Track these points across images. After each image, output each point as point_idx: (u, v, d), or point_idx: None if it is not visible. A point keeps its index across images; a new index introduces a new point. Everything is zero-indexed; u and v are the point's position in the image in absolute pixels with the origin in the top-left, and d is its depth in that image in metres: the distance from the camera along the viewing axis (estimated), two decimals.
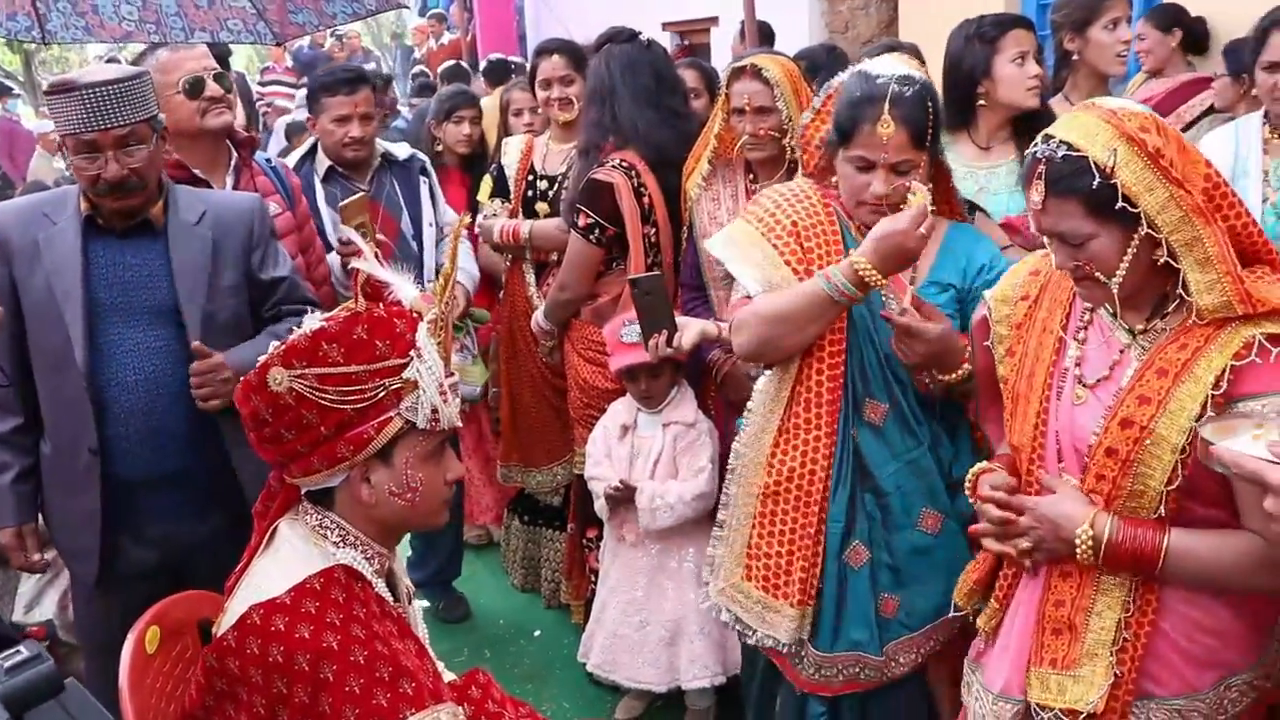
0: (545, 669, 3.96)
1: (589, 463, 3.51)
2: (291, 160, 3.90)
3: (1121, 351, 1.90)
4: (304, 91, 11.34)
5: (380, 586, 1.80)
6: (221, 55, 3.76)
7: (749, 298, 2.51)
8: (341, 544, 1.78)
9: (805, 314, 2.39)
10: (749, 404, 2.60)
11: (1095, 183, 1.73)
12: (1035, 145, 1.84)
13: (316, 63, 13.53)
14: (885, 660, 2.49)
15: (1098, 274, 1.81)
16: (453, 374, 1.80)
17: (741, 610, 2.57)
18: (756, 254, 2.51)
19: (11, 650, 1.47)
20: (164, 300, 2.62)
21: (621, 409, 3.50)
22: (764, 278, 2.49)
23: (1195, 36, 4.79)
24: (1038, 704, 1.92)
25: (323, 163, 3.87)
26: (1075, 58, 3.53)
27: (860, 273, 2.29)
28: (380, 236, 3.51)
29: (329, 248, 3.69)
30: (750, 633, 2.55)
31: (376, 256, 1.85)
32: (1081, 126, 1.78)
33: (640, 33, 3.65)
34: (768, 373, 2.56)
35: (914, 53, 3.64)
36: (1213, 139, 3.22)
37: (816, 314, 2.39)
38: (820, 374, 2.47)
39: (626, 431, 3.45)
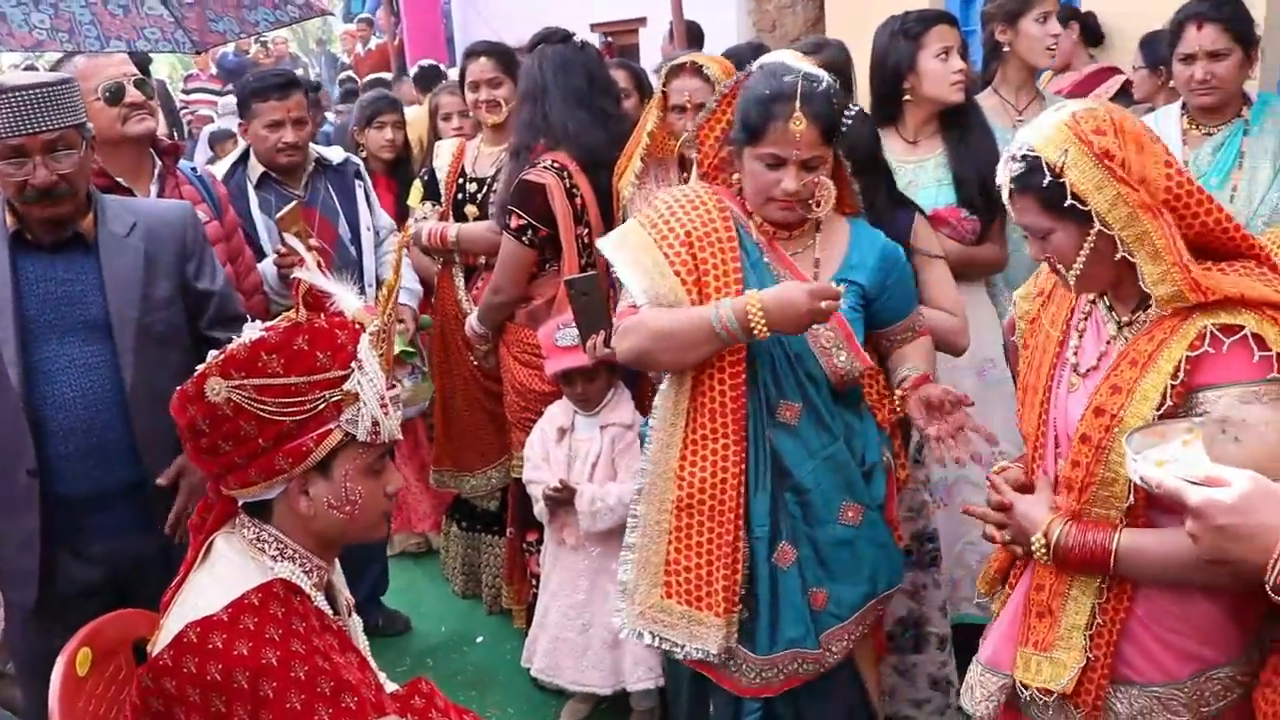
0: (488, 675, 3.93)
1: (527, 466, 3.49)
2: (222, 167, 3.84)
3: (1109, 342, 1.97)
4: (228, 99, 11.22)
5: (319, 600, 1.77)
6: (142, 62, 3.68)
7: (634, 307, 2.47)
8: (280, 557, 1.75)
9: (688, 340, 2.37)
10: (650, 419, 2.57)
11: (1046, 181, 1.82)
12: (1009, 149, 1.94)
13: (242, 70, 13.35)
14: (821, 652, 2.49)
15: (1059, 266, 1.91)
16: (394, 385, 1.78)
17: (665, 629, 2.52)
18: (647, 260, 2.47)
19: None
20: (97, 315, 2.57)
21: (558, 412, 3.49)
22: (651, 287, 2.45)
23: (1090, 30, 4.92)
24: (1020, 682, 2.00)
25: (255, 169, 3.80)
26: (1006, 50, 3.59)
27: (751, 320, 2.28)
28: (317, 243, 3.45)
29: (262, 255, 3.62)
30: (679, 649, 2.51)
31: (319, 266, 1.82)
32: (1042, 128, 1.87)
33: (574, 34, 3.65)
34: (664, 386, 2.54)
35: (841, 50, 3.68)
36: None
37: (699, 342, 2.36)
38: (722, 383, 2.43)
39: (564, 434, 3.44)
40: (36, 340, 2.52)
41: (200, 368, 1.70)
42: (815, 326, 2.37)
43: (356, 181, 4.01)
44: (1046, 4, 3.53)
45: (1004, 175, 1.91)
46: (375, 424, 1.73)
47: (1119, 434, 1.81)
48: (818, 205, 2.43)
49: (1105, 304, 1.99)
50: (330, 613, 1.80)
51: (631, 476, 3.26)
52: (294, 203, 3.48)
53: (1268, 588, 1.35)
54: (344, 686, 1.64)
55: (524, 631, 3.74)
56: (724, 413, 2.43)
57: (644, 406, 3.43)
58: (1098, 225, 1.82)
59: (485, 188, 3.95)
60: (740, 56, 3.56)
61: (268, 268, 3.49)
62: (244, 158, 3.86)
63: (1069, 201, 1.81)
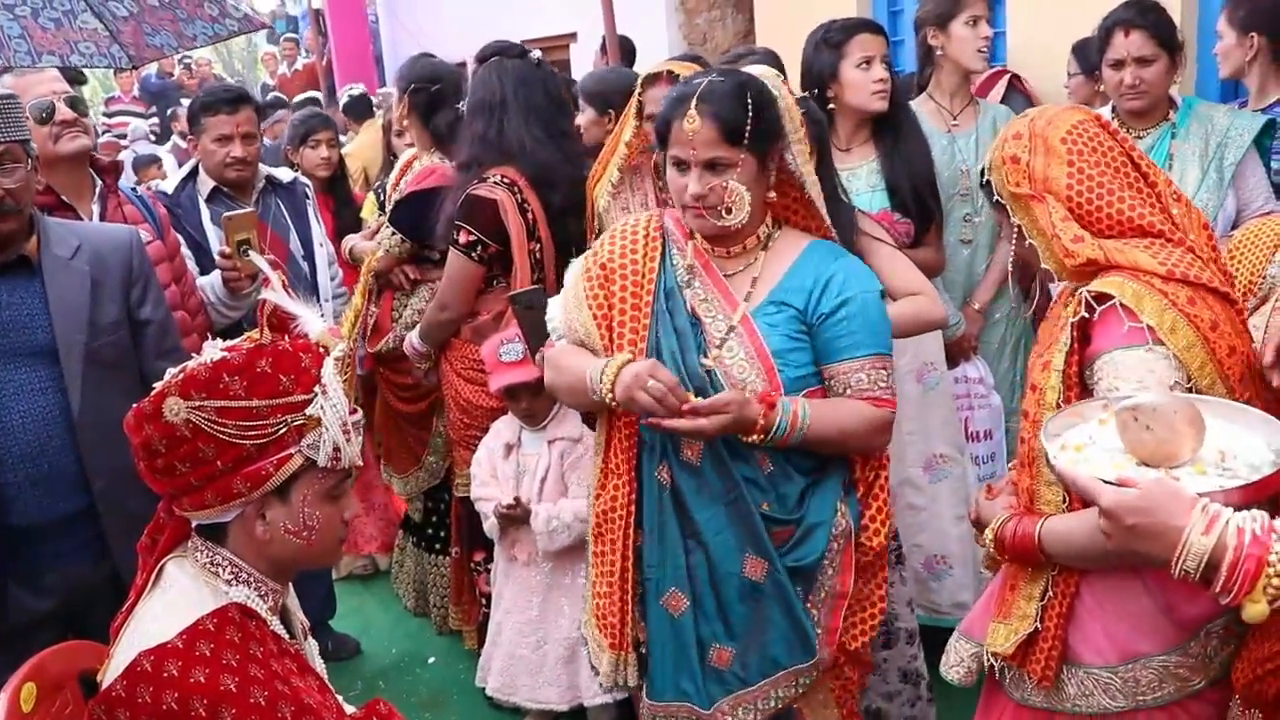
0: (442, 695, 3.88)
1: (475, 484, 3.46)
2: (172, 183, 3.80)
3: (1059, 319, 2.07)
4: (137, 124, 11.03)
5: (275, 624, 1.73)
6: (74, 79, 3.61)
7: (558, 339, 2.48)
8: (234, 581, 1.70)
9: (572, 388, 2.38)
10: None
11: (989, 184, 2.11)
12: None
13: (165, 92, 13.18)
14: (713, 713, 2.36)
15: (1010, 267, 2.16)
16: (356, 411, 1.74)
17: (592, 649, 2.54)
18: (570, 293, 2.47)
19: None
20: (43, 340, 2.51)
21: (504, 427, 3.47)
22: (566, 320, 2.45)
23: None
24: (988, 650, 2.10)
25: (206, 184, 3.76)
26: (939, 54, 3.64)
27: (602, 391, 2.26)
28: (269, 256, 3.39)
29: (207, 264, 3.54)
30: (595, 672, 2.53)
31: (284, 285, 1.78)
32: (992, 155, 2.11)
33: (530, 50, 3.63)
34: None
35: (770, 59, 3.71)
36: None
37: (580, 392, 2.35)
38: (621, 418, 2.39)
39: (511, 450, 3.42)
40: None
41: (159, 385, 1.65)
42: (728, 358, 2.30)
43: (306, 200, 4.00)
44: (976, 8, 3.59)
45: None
46: (336, 449, 1.69)
47: (1047, 409, 1.92)
48: (728, 211, 2.26)
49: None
50: (286, 636, 1.75)
51: (584, 490, 3.26)
52: (247, 210, 3.41)
53: (1174, 574, 1.44)
54: (305, 710, 1.60)
55: (475, 651, 3.71)
56: (623, 448, 2.41)
57: (590, 420, 3.42)
58: (1014, 219, 2.07)
59: None
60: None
61: (210, 281, 3.42)
62: (194, 173, 3.81)
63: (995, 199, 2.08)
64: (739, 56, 3.79)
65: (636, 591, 2.45)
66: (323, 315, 1.79)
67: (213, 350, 1.67)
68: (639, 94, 3.27)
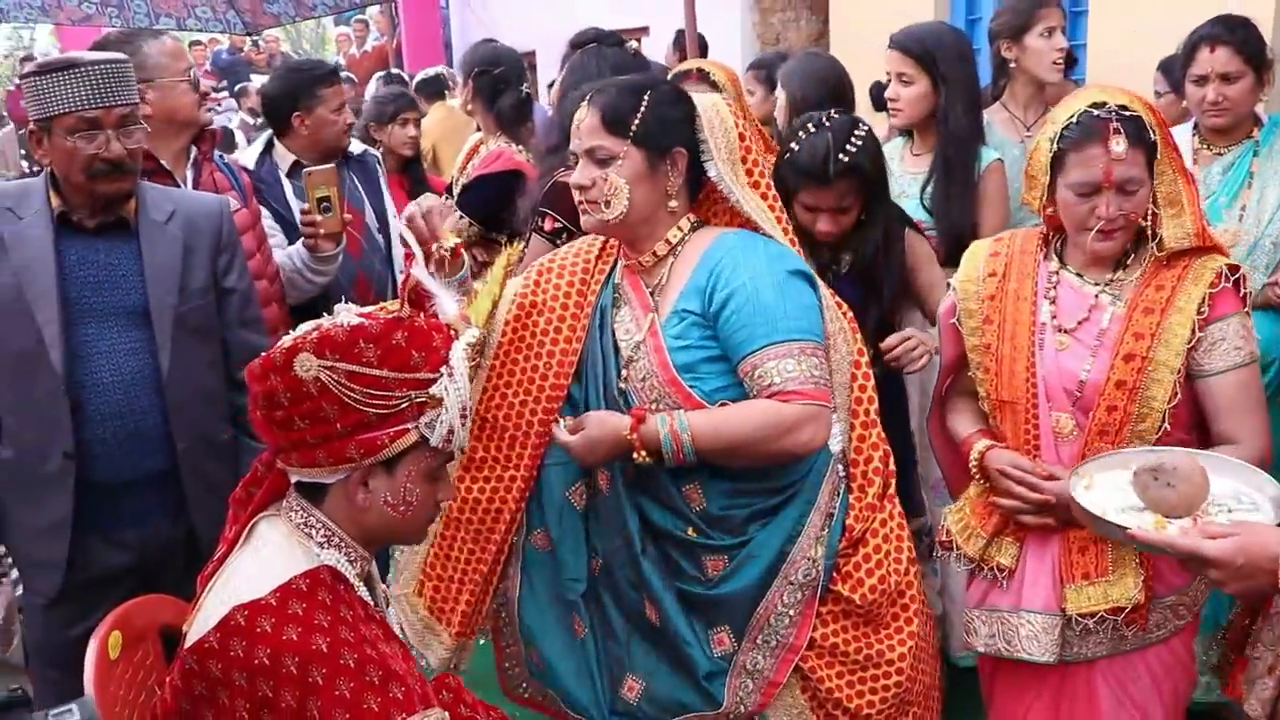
0: (489, 678, 3.86)
1: None
2: (250, 156, 3.85)
3: (1095, 298, 2.27)
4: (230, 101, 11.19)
5: (362, 590, 1.76)
6: None
7: None
8: (326, 544, 1.73)
9: None
10: None
11: (1152, 139, 2.17)
12: (1087, 111, 2.18)
13: (235, 67, 13.35)
14: None
15: (1140, 221, 2.21)
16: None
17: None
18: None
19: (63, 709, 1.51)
20: (137, 301, 2.58)
21: None
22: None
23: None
24: (1078, 614, 2.23)
25: (286, 158, 3.81)
26: (1013, 66, 3.62)
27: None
28: (348, 216, 3.44)
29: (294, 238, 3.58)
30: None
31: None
32: (1123, 95, 2.20)
33: (628, 40, 3.65)
34: None
35: (832, 62, 3.72)
36: None
37: None
38: (532, 412, 2.30)
39: None
40: (77, 323, 2.52)
41: (289, 338, 1.68)
42: (637, 378, 2.22)
43: (378, 173, 4.08)
44: (1051, 19, 3.57)
45: (1111, 134, 2.13)
46: (451, 432, 1.72)
47: (1152, 372, 2.16)
48: (607, 205, 2.17)
49: (1072, 271, 2.31)
50: (371, 603, 1.79)
51: None
52: (330, 165, 3.46)
53: None
54: (392, 676, 1.62)
55: None
56: (523, 443, 2.32)
57: None
58: (1152, 184, 2.19)
59: None
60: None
61: (293, 249, 3.46)
62: (269, 147, 3.86)
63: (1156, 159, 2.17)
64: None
65: (498, 586, 2.41)
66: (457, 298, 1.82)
67: (348, 314, 1.69)
68: None
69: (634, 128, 2.15)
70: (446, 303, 1.77)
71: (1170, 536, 1.73)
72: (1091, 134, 2.15)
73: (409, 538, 1.86)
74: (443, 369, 1.70)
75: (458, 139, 5.68)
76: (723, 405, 2.14)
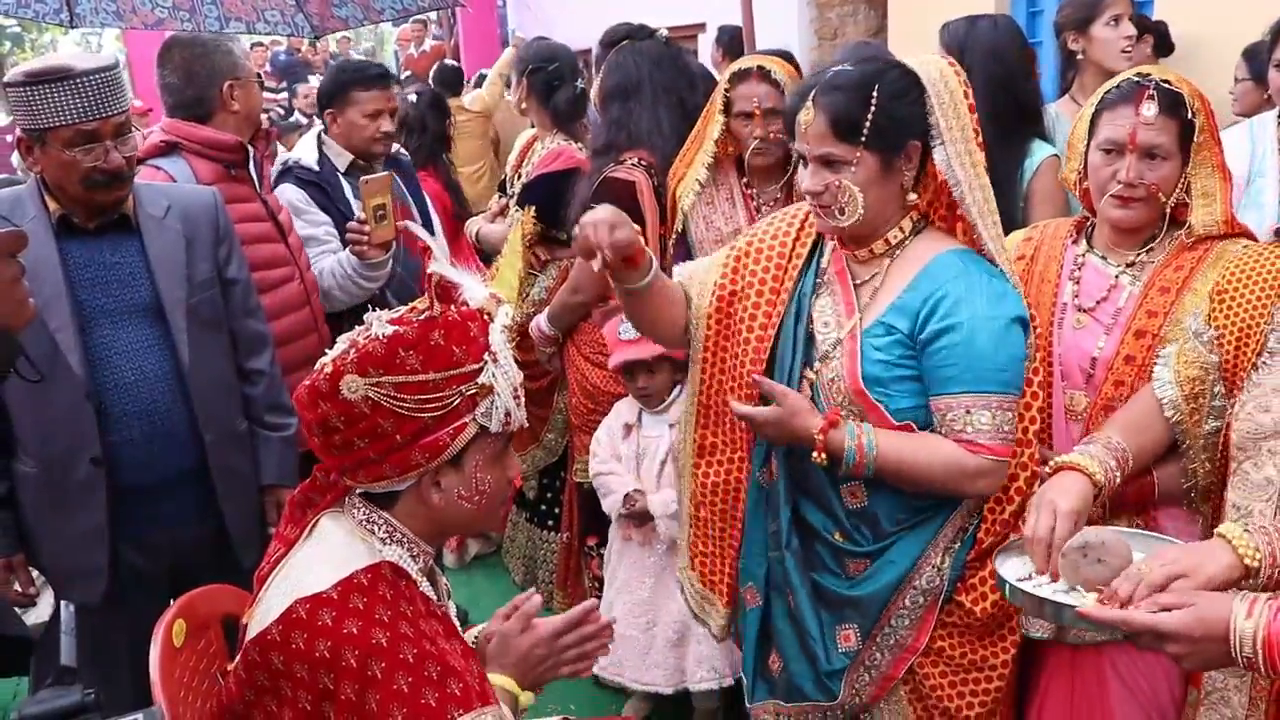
0: None
1: (594, 461, 3.46)
2: (308, 153, 3.86)
3: (1116, 277, 2.32)
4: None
5: (424, 586, 1.76)
6: None
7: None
8: (389, 540, 1.73)
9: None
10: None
11: (1190, 115, 2.20)
12: (1128, 79, 2.27)
13: (293, 67, 13.48)
14: (758, 708, 2.41)
15: (1160, 194, 2.23)
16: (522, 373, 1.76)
17: (688, 594, 2.58)
18: (709, 259, 2.48)
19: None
20: (147, 297, 2.57)
21: (624, 408, 3.48)
22: (691, 270, 2.47)
23: (1163, 39, 4.84)
24: None
25: (343, 157, 3.81)
26: (1080, 57, 3.55)
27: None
28: (402, 224, 3.45)
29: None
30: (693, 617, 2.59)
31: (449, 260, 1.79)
32: (1171, 74, 2.24)
33: (657, 29, 3.63)
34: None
35: (879, 52, 3.65)
36: (1228, 138, 3.25)
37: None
38: (739, 393, 2.31)
39: (630, 430, 3.42)
40: (92, 325, 2.50)
41: (326, 362, 1.67)
42: (826, 375, 2.19)
43: (413, 170, 4.14)
44: (1117, 7, 3.50)
45: (1144, 99, 2.19)
46: (508, 414, 1.71)
47: (1159, 350, 2.18)
48: (840, 212, 2.12)
49: (1097, 253, 2.36)
50: (434, 598, 1.78)
51: None
52: (386, 173, 3.48)
53: (1241, 666, 1.55)
54: (450, 672, 1.62)
55: None
56: (740, 423, 2.34)
57: None
58: (1190, 167, 2.21)
59: None
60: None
61: (343, 258, 3.48)
62: (319, 145, 3.85)
63: (1195, 140, 2.19)
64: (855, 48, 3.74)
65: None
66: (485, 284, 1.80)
67: (381, 325, 1.67)
68: (726, 89, 3.22)
69: (865, 131, 2.06)
70: (473, 288, 1.74)
71: (1125, 613, 1.61)
72: (1127, 96, 2.23)
73: (486, 524, 1.85)
74: (485, 356, 1.68)
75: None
76: (907, 427, 2.12)
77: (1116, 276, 2.32)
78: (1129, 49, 3.55)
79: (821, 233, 2.29)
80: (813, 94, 2.09)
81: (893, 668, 2.25)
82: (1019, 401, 2.12)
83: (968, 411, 2.06)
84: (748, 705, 2.48)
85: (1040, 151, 3.18)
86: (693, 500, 2.49)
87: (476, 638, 1.99)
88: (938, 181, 2.18)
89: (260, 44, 13.33)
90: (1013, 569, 1.93)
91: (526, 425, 1.82)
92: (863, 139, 2.06)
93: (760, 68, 3.19)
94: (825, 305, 2.24)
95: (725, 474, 2.43)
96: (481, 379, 1.67)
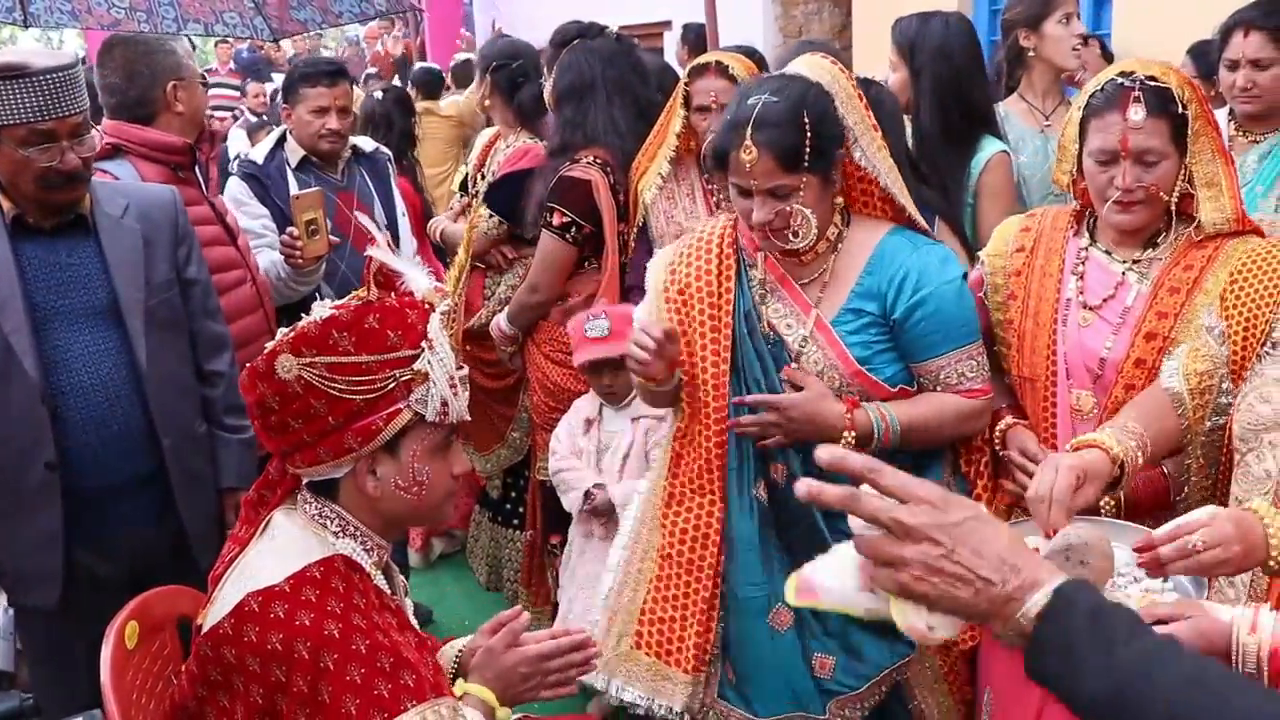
0: None
1: (554, 460, 3.46)
2: (261, 150, 3.85)
3: (1123, 275, 2.25)
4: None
5: (378, 579, 1.76)
6: None
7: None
8: (341, 534, 1.73)
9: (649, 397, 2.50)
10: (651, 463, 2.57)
11: (1180, 110, 2.11)
12: (1111, 80, 2.18)
13: (256, 65, 13.38)
14: (826, 718, 2.39)
15: (1161, 194, 2.16)
16: (463, 366, 1.77)
17: (631, 680, 2.45)
18: (652, 309, 2.47)
19: None
20: (104, 299, 2.52)
21: (584, 404, 3.48)
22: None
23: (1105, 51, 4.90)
24: None
25: (295, 152, 3.80)
26: (1030, 54, 3.58)
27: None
28: (334, 238, 3.45)
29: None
30: (641, 702, 2.44)
31: (388, 245, 1.79)
32: (1156, 66, 2.16)
33: (606, 27, 3.63)
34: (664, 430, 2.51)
35: (829, 52, 3.67)
36: None
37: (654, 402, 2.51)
38: (706, 437, 2.38)
39: (591, 425, 3.42)
40: (46, 328, 2.45)
41: (270, 344, 1.68)
42: (817, 367, 2.31)
43: (388, 169, 4.07)
44: (1068, 5, 3.52)
45: (1131, 102, 2.12)
46: (444, 404, 1.71)
47: (1169, 353, 2.11)
48: (795, 235, 2.23)
49: (1101, 249, 2.29)
50: (388, 592, 1.78)
51: None
52: (316, 189, 3.47)
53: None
54: (403, 663, 1.63)
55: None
56: (707, 468, 2.39)
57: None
58: (1189, 159, 2.14)
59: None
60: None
61: (278, 260, 3.47)
62: (281, 142, 3.86)
63: (1189, 132, 2.12)
64: (805, 46, 3.75)
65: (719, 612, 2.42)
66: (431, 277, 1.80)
67: (322, 308, 1.69)
68: (686, 84, 3.24)
69: (806, 158, 2.17)
70: (417, 278, 1.75)
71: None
72: (1112, 101, 2.16)
73: (430, 517, 1.85)
74: (422, 344, 1.69)
75: None
76: (903, 393, 2.33)
77: (1123, 274, 2.27)
78: (1078, 47, 3.57)
79: (751, 247, 2.39)
80: (748, 133, 2.15)
81: None
82: (983, 343, 2.37)
83: (957, 365, 2.31)
84: (818, 714, 2.39)
85: (989, 148, 3.18)
86: (660, 554, 2.45)
87: (460, 653, 1.97)
88: (844, 171, 2.32)
89: (225, 41, 13.23)
90: None
91: (469, 417, 1.82)
92: (805, 164, 2.17)
93: (718, 63, 3.22)
94: (778, 309, 2.36)
95: (697, 520, 2.42)
96: (417, 365, 1.68)
